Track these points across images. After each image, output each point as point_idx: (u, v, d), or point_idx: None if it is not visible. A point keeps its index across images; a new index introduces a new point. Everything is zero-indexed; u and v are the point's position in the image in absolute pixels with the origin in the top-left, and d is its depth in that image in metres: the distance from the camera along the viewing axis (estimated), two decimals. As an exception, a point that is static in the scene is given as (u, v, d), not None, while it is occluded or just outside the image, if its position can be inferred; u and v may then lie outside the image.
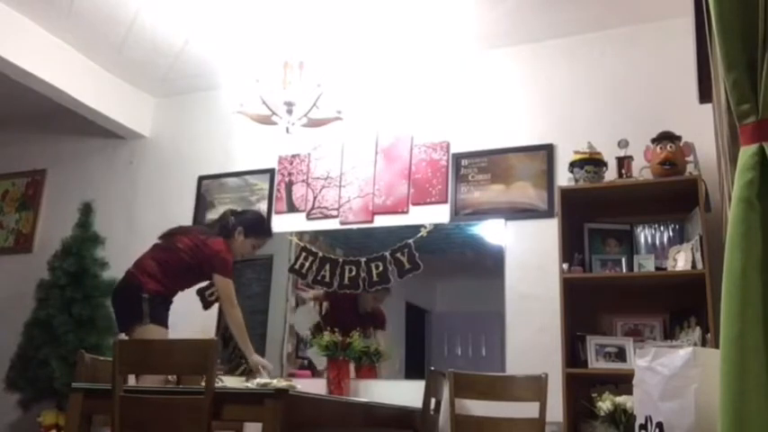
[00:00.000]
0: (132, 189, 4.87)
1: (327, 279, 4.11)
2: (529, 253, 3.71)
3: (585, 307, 3.41)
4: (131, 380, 2.97)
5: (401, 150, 4.18)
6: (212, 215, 4.49)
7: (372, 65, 4.33)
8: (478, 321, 3.83)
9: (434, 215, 3.99)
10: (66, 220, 4.72)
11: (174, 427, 2.27)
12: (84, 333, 4.24)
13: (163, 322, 3.37)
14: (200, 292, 3.83)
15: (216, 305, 3.93)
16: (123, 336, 3.34)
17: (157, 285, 3.36)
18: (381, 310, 4.03)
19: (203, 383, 2.29)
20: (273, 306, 4.22)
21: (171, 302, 3.50)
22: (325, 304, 4.14)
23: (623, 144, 3.45)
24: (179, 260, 3.45)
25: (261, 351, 4.12)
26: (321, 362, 3.91)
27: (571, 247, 3.41)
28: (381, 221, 4.11)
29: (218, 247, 3.45)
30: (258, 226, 3.70)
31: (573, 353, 3.26)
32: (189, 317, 3.73)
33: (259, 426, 2.23)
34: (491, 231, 3.86)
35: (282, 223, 4.32)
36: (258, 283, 4.31)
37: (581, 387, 3.24)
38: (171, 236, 3.58)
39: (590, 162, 3.41)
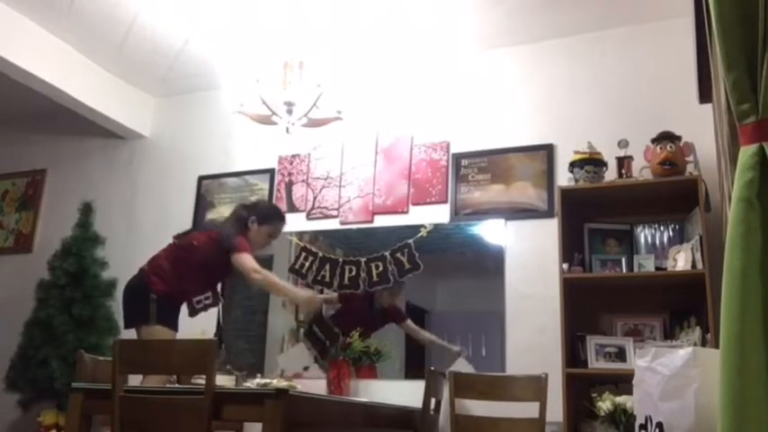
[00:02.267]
0: (132, 189, 4.87)
1: (327, 279, 4.11)
2: (529, 253, 3.71)
3: (585, 307, 3.41)
4: (137, 380, 2.96)
5: (401, 150, 4.18)
6: (212, 215, 4.50)
7: (372, 65, 4.33)
8: (478, 321, 3.83)
9: (434, 215, 3.99)
10: (66, 220, 4.72)
11: (174, 427, 2.27)
12: (84, 333, 4.24)
13: (170, 324, 3.33)
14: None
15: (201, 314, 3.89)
16: (128, 332, 3.33)
17: (166, 287, 3.33)
18: (396, 305, 4.00)
19: (196, 381, 2.29)
20: (273, 306, 4.21)
21: (180, 304, 3.47)
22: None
23: (623, 144, 3.45)
24: (194, 258, 3.40)
25: (261, 351, 4.14)
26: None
27: (571, 247, 3.41)
28: (381, 221, 4.11)
29: (234, 237, 3.42)
30: (270, 212, 3.65)
31: (573, 353, 3.26)
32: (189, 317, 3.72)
33: (259, 426, 2.23)
34: (491, 231, 3.85)
35: (282, 223, 4.32)
36: (258, 284, 4.31)
37: (581, 387, 3.24)
38: (187, 235, 3.56)
39: (590, 162, 3.41)
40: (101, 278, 4.48)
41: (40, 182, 5.24)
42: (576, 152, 3.48)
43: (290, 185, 4.39)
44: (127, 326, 3.38)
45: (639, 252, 3.43)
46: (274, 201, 4.39)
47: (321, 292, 4.15)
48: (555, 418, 3.05)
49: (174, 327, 3.39)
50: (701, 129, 3.04)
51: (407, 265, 3.96)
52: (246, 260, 3.33)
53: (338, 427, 2.81)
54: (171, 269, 3.37)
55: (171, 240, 3.57)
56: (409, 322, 3.95)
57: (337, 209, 4.22)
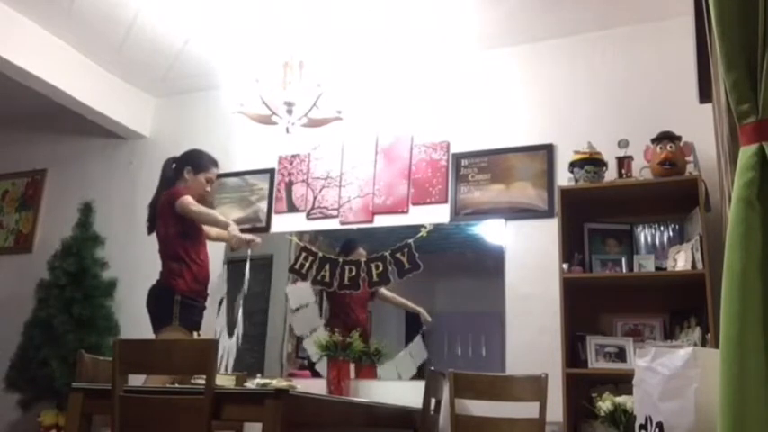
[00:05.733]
0: (132, 189, 4.87)
1: (327, 279, 4.11)
2: (529, 253, 3.71)
3: (585, 307, 3.41)
4: (139, 380, 2.96)
5: (401, 150, 4.18)
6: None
7: (372, 65, 4.33)
8: (478, 321, 3.82)
9: (434, 215, 3.99)
10: (67, 220, 4.72)
11: (174, 427, 2.27)
12: (84, 333, 4.24)
13: (191, 326, 3.38)
14: None
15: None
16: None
17: (185, 282, 3.41)
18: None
19: (195, 381, 2.29)
20: (273, 306, 4.21)
21: (203, 306, 3.55)
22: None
23: (623, 144, 3.45)
24: (175, 237, 3.51)
25: (261, 351, 4.14)
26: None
27: (571, 246, 3.41)
28: (381, 221, 4.11)
29: (170, 192, 3.58)
30: (203, 159, 3.75)
31: (573, 353, 3.26)
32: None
33: (259, 426, 2.23)
34: (491, 231, 3.85)
35: (282, 223, 4.32)
36: (258, 284, 4.30)
37: (581, 387, 3.24)
38: (153, 227, 3.65)
39: (590, 162, 3.41)
40: (101, 278, 4.48)
41: (39, 182, 5.24)
42: (576, 152, 3.48)
43: (290, 185, 4.39)
44: (154, 330, 3.40)
45: (639, 252, 3.43)
46: (274, 201, 4.39)
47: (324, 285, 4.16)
48: (555, 418, 3.05)
49: (195, 327, 3.42)
50: (701, 129, 3.04)
51: (407, 265, 3.96)
52: (185, 199, 3.51)
53: (338, 427, 2.81)
54: (176, 261, 3.45)
55: (156, 242, 3.62)
56: (383, 289, 4.01)
57: (337, 209, 4.22)
